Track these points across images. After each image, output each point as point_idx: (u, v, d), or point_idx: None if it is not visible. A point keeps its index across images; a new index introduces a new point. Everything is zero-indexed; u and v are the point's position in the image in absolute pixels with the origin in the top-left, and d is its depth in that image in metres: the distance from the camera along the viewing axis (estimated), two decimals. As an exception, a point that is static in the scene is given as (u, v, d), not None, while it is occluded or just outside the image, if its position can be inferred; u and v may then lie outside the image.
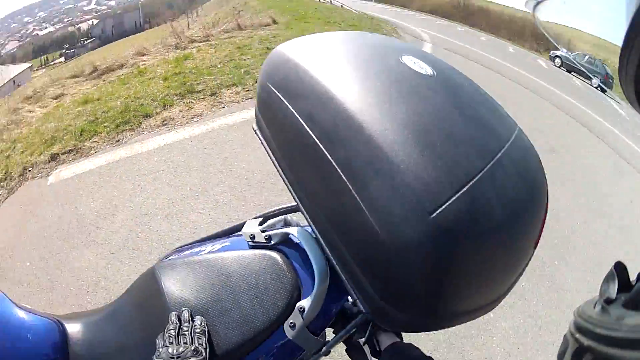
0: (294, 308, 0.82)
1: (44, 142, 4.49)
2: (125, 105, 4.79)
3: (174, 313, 0.80)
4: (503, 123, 0.72)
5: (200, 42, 7.33)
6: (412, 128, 0.59)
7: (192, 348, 0.71)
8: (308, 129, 0.63)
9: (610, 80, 8.91)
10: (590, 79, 12.27)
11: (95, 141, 4.37)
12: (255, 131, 0.85)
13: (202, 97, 4.96)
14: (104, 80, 6.23)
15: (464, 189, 0.55)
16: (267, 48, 6.93)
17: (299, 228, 0.91)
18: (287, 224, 0.98)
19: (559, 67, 13.76)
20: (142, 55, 6.95)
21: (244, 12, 10.26)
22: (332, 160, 0.60)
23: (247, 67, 5.92)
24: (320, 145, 0.61)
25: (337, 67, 0.69)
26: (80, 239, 3.31)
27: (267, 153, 0.80)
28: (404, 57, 0.72)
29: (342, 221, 0.62)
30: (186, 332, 0.74)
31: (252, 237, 0.92)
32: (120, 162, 4.02)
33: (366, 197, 0.56)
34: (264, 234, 0.91)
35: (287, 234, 0.91)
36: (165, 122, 4.48)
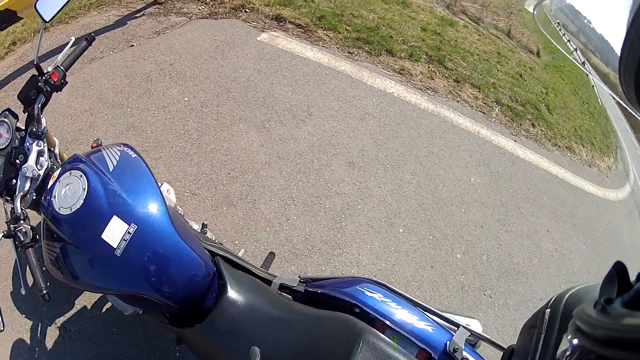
0: None
1: (279, -2, 4.35)
2: (377, 25, 4.54)
3: None
4: None
5: (470, 20, 6.82)
6: None
7: None
8: None
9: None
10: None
11: (328, 36, 4.19)
12: None
13: (446, 75, 4.54)
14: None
15: None
16: (520, 76, 6.27)
17: None
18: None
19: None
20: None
21: (515, 18, 9.46)
22: None
23: (496, 80, 5.35)
24: None
25: None
26: (256, 118, 3.18)
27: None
28: None
29: None
30: None
31: (455, 350, 1.23)
32: (340, 76, 3.80)
33: None
34: (465, 355, 1.23)
35: None
36: (403, 72, 4.16)
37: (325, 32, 4.20)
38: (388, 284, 1.42)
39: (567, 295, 0.99)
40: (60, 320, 2.03)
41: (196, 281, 1.31)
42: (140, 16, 3.74)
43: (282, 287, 1.54)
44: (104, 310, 2.08)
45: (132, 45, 3.45)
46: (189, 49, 3.51)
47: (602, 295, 0.48)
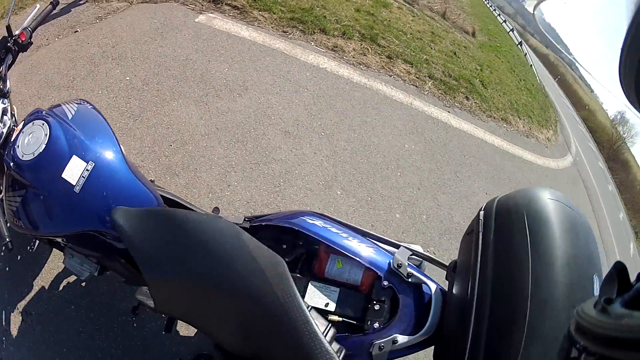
0: (388, 333, 1.21)
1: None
2: (311, 6, 4.74)
3: None
4: None
5: (405, 2, 7.19)
6: None
7: None
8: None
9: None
10: None
11: (263, 16, 4.35)
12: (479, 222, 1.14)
13: (379, 52, 4.83)
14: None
15: None
16: (454, 54, 6.69)
17: (437, 288, 1.31)
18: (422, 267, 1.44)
19: None
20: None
21: (451, 1, 9.98)
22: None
23: (429, 57, 5.72)
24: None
25: None
26: (194, 93, 3.30)
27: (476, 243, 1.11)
28: None
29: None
30: None
31: (399, 265, 1.32)
32: (274, 53, 3.97)
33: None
34: (409, 270, 1.31)
35: (424, 285, 1.31)
36: (336, 49, 4.39)
37: (260, 13, 4.36)
38: (329, 215, 1.53)
39: (498, 198, 1.14)
40: (21, 305, 2.07)
41: None
42: (84, 3, 3.79)
43: None
44: (61, 288, 2.14)
45: (76, 31, 3.50)
46: (129, 32, 3.60)
47: (602, 295, 0.48)
